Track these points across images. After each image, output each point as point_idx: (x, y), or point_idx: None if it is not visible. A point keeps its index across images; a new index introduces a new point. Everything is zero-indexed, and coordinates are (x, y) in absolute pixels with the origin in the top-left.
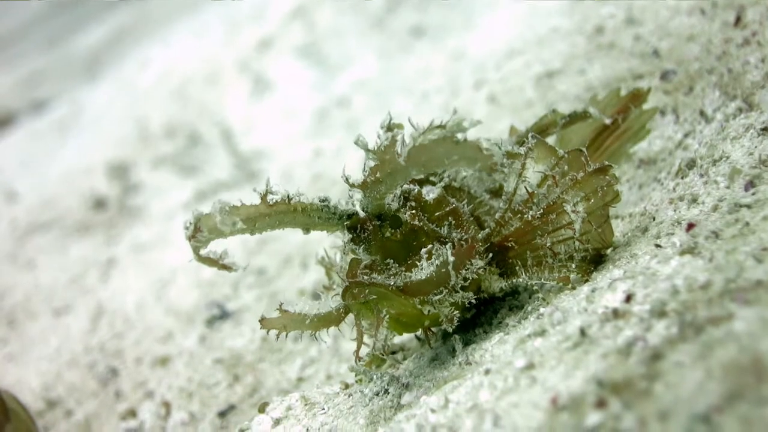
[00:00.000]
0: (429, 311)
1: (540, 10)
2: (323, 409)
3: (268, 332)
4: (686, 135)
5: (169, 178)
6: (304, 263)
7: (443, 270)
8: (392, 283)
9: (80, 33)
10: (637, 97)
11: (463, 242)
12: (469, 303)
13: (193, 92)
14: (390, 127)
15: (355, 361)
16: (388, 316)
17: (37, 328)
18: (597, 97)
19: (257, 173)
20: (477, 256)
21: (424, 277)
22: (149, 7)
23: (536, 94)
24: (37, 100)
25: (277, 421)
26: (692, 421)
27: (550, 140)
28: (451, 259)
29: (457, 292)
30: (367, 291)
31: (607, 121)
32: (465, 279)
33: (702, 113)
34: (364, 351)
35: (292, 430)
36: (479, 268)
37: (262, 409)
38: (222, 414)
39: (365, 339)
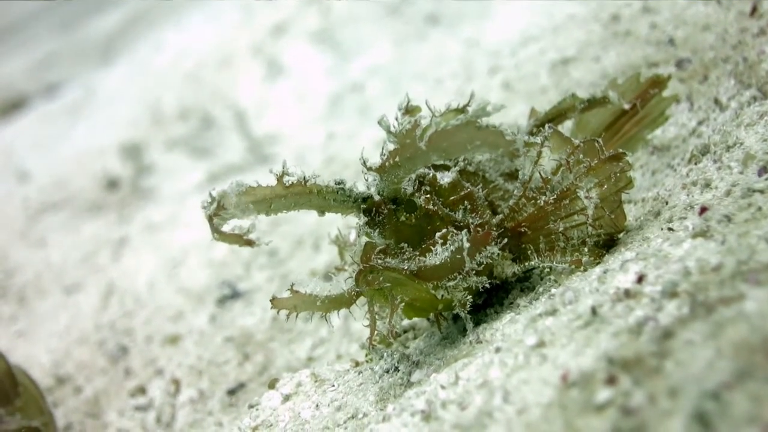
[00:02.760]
0: (442, 296)
1: None
2: (333, 385)
3: (278, 312)
4: (700, 123)
5: (182, 160)
6: (316, 245)
7: (458, 256)
8: (406, 268)
9: (94, 17)
10: (657, 83)
11: (479, 228)
12: (483, 288)
13: (206, 75)
14: (408, 109)
15: (369, 347)
16: (402, 303)
17: (47, 306)
18: (616, 81)
19: (270, 156)
20: (492, 242)
21: (438, 263)
22: None
23: (551, 81)
24: (50, 83)
25: (286, 397)
26: (702, 397)
27: (569, 124)
28: (467, 245)
29: (471, 276)
30: (381, 277)
31: (626, 107)
32: (479, 264)
33: (716, 101)
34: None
35: (302, 406)
36: (493, 254)
37: (272, 385)
38: (231, 392)
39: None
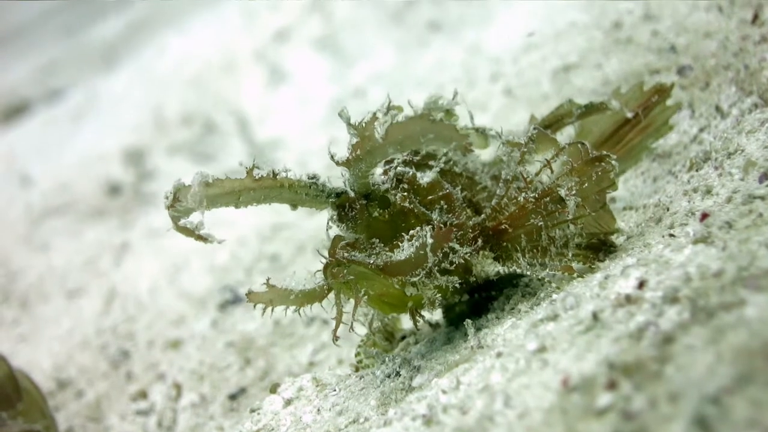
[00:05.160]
0: (412, 293)
1: (558, 4)
2: (335, 390)
3: (263, 310)
4: (701, 129)
5: (185, 165)
6: (318, 249)
7: (422, 252)
8: (372, 262)
9: (98, 23)
10: (661, 92)
11: (442, 225)
12: (454, 287)
13: (209, 81)
14: (389, 109)
15: (333, 340)
16: (367, 296)
17: (49, 310)
18: (620, 90)
19: (272, 162)
20: (466, 243)
21: (403, 258)
22: None
23: (552, 88)
24: (54, 88)
25: (288, 402)
26: (702, 402)
27: (570, 131)
28: (430, 240)
29: (438, 274)
30: (345, 270)
31: (629, 115)
32: (450, 263)
33: (718, 108)
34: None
35: (303, 411)
36: (466, 254)
37: (273, 389)
38: (233, 396)
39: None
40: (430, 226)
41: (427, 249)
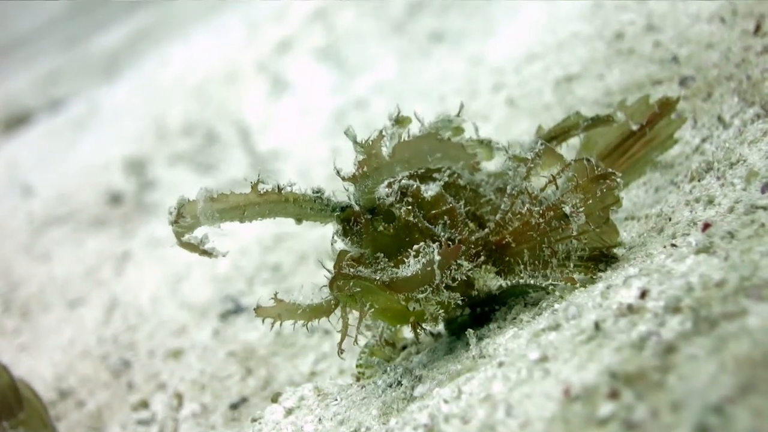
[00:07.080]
0: (414, 308)
1: (560, 15)
2: (336, 399)
3: (263, 320)
4: (704, 140)
5: (186, 175)
6: (320, 260)
7: (429, 268)
8: (378, 278)
9: (100, 33)
10: (666, 105)
11: (450, 242)
12: (456, 303)
13: (211, 91)
14: (398, 120)
15: (338, 353)
16: (372, 309)
17: (50, 320)
18: (625, 102)
19: (274, 173)
20: (465, 258)
21: (410, 275)
22: (170, 8)
23: (554, 98)
24: (55, 98)
25: (289, 411)
26: (704, 411)
27: (575, 143)
28: (437, 258)
29: (442, 291)
30: (351, 284)
31: (634, 128)
32: (453, 279)
33: (720, 119)
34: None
35: (305, 420)
36: (468, 270)
37: (275, 398)
38: (234, 406)
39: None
40: (437, 243)
41: (435, 266)
